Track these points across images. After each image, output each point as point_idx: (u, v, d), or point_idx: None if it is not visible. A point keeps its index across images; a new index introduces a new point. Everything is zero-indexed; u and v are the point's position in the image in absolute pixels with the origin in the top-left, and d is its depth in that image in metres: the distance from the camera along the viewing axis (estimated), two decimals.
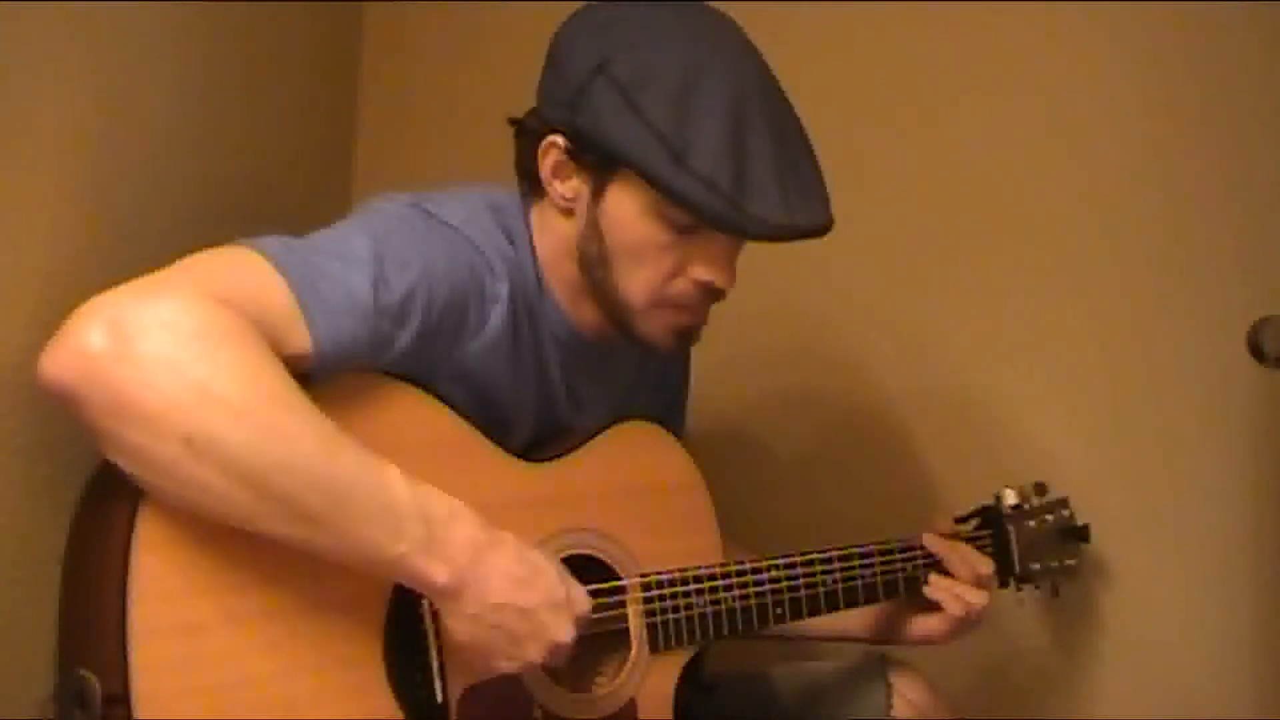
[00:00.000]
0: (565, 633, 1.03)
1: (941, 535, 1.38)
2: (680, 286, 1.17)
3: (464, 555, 0.99)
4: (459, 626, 1.01)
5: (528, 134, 1.19)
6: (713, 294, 1.19)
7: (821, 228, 1.14)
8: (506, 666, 1.03)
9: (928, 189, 1.66)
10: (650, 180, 1.10)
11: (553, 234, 1.20)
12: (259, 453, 0.91)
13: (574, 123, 1.13)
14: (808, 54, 1.63)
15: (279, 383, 0.93)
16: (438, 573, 0.98)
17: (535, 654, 1.03)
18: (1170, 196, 1.55)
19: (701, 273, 1.16)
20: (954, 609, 1.31)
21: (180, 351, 0.90)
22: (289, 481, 0.93)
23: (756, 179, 1.10)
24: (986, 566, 1.35)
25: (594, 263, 1.17)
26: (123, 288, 0.93)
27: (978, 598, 1.32)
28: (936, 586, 1.33)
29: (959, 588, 1.32)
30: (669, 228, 1.14)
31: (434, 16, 1.86)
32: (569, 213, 1.18)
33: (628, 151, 1.10)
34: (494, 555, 1.01)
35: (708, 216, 1.10)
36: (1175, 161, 1.55)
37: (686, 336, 1.22)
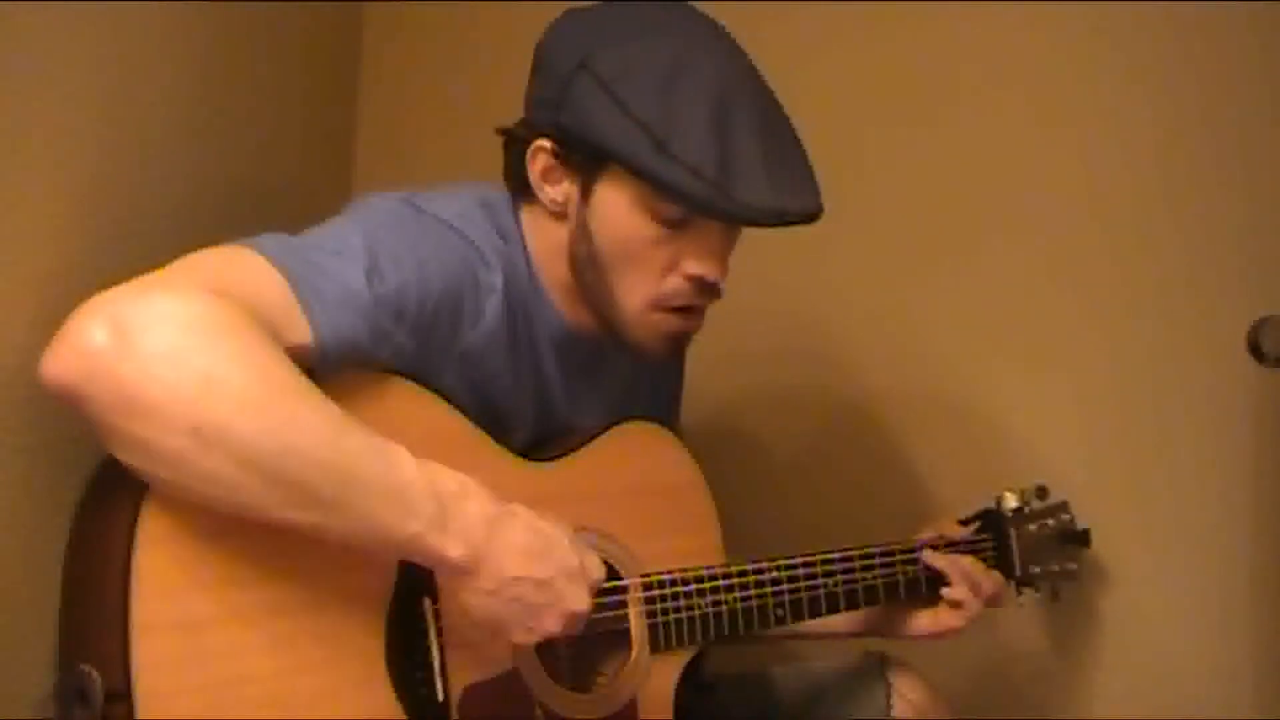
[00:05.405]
0: (581, 601, 1.03)
1: (941, 540, 1.38)
2: (673, 284, 1.16)
3: (478, 531, 0.98)
4: (476, 602, 1.01)
5: (516, 142, 1.19)
6: (707, 291, 1.17)
7: (811, 214, 1.13)
8: (525, 638, 1.03)
9: (929, 189, 1.66)
10: (635, 171, 1.10)
11: (545, 236, 1.19)
12: (267, 439, 0.91)
13: (559, 122, 1.13)
14: (803, 52, 1.63)
15: (283, 369, 0.93)
16: (452, 549, 0.97)
17: (553, 624, 1.03)
18: (1170, 196, 1.55)
19: (693, 267, 1.15)
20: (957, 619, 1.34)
21: (182, 344, 0.90)
22: (298, 466, 0.92)
23: (742, 165, 1.09)
24: (988, 582, 1.36)
25: (585, 265, 1.16)
26: (123, 286, 0.93)
27: (977, 607, 1.35)
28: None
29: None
30: (658, 222, 1.13)
31: (434, 16, 1.86)
32: (560, 216, 1.18)
33: (611, 143, 1.10)
34: (507, 529, 1.00)
35: (694, 203, 1.10)
36: (1175, 161, 1.55)
37: (679, 342, 1.21)
